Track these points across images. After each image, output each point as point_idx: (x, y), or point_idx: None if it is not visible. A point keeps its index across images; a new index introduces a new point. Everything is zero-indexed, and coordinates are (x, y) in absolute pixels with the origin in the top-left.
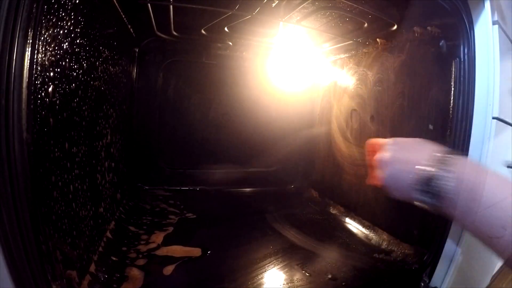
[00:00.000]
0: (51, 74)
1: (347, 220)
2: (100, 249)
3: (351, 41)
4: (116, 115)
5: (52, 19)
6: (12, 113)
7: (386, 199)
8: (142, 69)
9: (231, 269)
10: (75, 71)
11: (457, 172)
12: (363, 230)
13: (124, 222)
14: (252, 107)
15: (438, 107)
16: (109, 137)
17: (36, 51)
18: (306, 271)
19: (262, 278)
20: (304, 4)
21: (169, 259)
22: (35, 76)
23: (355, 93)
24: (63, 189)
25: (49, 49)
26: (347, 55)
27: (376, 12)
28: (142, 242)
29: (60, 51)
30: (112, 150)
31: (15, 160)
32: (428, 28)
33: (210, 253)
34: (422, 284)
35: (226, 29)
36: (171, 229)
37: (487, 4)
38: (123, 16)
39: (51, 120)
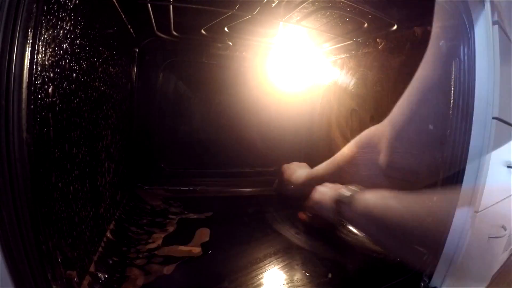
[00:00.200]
0: (51, 74)
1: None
2: (100, 249)
3: (351, 41)
4: (116, 116)
5: (52, 19)
6: (12, 113)
7: None
8: (142, 69)
9: (231, 269)
10: (75, 72)
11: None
12: None
13: (124, 222)
14: (252, 107)
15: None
16: (109, 137)
17: (36, 51)
18: (306, 271)
19: (262, 278)
20: (304, 4)
21: (169, 259)
22: (35, 76)
23: (355, 93)
24: (63, 189)
25: (49, 49)
26: (347, 55)
27: (376, 12)
28: (142, 242)
29: (60, 51)
30: (112, 150)
31: (15, 160)
32: (428, 28)
33: (210, 253)
34: (422, 284)
35: (226, 29)
36: (171, 229)
37: (487, 4)
38: (123, 16)
39: (51, 120)
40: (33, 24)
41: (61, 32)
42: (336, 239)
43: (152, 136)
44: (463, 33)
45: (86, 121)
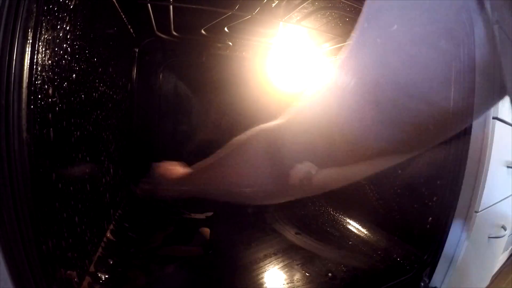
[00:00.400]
0: (51, 74)
1: (347, 220)
2: (100, 249)
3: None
4: (116, 116)
5: (52, 19)
6: (12, 113)
7: (386, 199)
8: (142, 69)
9: (231, 269)
10: (75, 72)
11: None
12: (363, 230)
13: (124, 222)
14: (252, 107)
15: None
16: (109, 137)
17: (36, 52)
18: (306, 271)
19: (262, 278)
20: (304, 4)
21: (169, 259)
22: (35, 77)
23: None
24: (63, 189)
25: (49, 50)
26: None
27: None
28: (142, 242)
29: (60, 51)
30: (112, 150)
31: (15, 160)
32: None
33: (210, 253)
34: (422, 284)
35: (226, 29)
36: (171, 229)
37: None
38: (123, 16)
39: (51, 120)
40: (33, 24)
41: (61, 32)
42: (336, 239)
43: (152, 136)
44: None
45: (86, 121)
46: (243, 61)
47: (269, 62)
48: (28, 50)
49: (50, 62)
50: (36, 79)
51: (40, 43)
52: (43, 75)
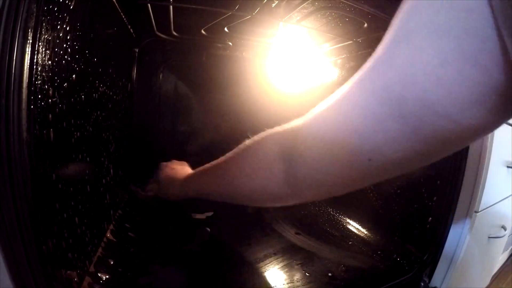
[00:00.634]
0: (51, 74)
1: (347, 220)
2: (100, 249)
3: (351, 41)
4: (116, 116)
5: (52, 19)
6: (12, 113)
7: (386, 199)
8: (142, 69)
9: (231, 269)
10: (75, 72)
11: None
12: (363, 230)
13: (124, 222)
14: (252, 107)
15: None
16: (109, 137)
17: (36, 52)
18: (306, 271)
19: (262, 278)
20: (304, 4)
21: (169, 259)
22: (35, 77)
23: None
24: (64, 189)
25: (49, 50)
26: (347, 55)
27: (376, 12)
28: (142, 242)
29: (60, 52)
30: (112, 150)
31: (15, 160)
32: None
33: (210, 253)
34: (422, 284)
35: (226, 29)
36: (171, 229)
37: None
38: (123, 16)
39: (51, 120)
40: (33, 24)
41: (61, 32)
42: (336, 238)
43: (152, 136)
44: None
45: (86, 122)
46: (243, 61)
47: (269, 62)
48: (28, 50)
49: (50, 62)
50: (36, 79)
51: (40, 43)
52: (43, 75)
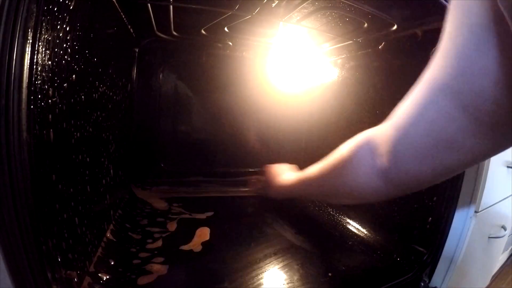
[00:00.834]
0: (51, 74)
1: (347, 220)
2: (100, 249)
3: (351, 41)
4: (116, 116)
5: (52, 19)
6: (12, 113)
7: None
8: (142, 69)
9: (231, 269)
10: (75, 72)
11: None
12: (363, 230)
13: (124, 222)
14: (252, 107)
15: None
16: (109, 137)
17: (36, 52)
18: (306, 271)
19: (262, 278)
20: (304, 4)
21: (169, 259)
22: (35, 77)
23: (355, 93)
24: (63, 189)
25: (49, 50)
26: (347, 55)
27: (376, 12)
28: (142, 242)
29: (60, 52)
30: (112, 150)
31: (15, 160)
32: (430, 28)
33: (210, 253)
34: (422, 284)
35: (226, 29)
36: (171, 228)
37: None
38: (123, 16)
39: (51, 120)
40: (33, 24)
41: (61, 32)
42: (336, 238)
43: (152, 136)
44: None
45: (86, 122)
46: (243, 61)
47: (269, 62)
48: (28, 50)
49: (50, 62)
50: (36, 79)
51: (40, 43)
52: (43, 76)
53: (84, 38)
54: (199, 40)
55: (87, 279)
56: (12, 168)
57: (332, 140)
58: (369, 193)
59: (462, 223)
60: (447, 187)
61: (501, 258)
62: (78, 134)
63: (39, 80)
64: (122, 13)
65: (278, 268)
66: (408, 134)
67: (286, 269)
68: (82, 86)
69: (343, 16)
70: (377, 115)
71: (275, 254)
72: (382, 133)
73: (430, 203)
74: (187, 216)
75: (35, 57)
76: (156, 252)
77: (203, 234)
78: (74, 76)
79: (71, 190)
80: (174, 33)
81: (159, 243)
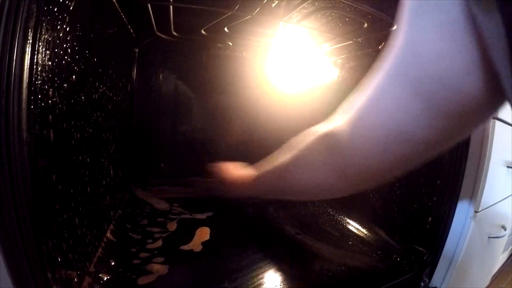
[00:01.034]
0: (51, 75)
1: (347, 220)
2: (101, 249)
3: (351, 41)
4: (116, 116)
5: (52, 19)
6: (12, 113)
7: (386, 199)
8: (142, 69)
9: (231, 269)
10: (75, 72)
11: None
12: (363, 230)
13: (124, 222)
14: (252, 107)
15: None
16: (109, 138)
17: (36, 52)
18: (306, 271)
19: (262, 278)
20: (304, 4)
21: (169, 259)
22: (35, 77)
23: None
24: (64, 189)
25: (49, 50)
26: (347, 55)
27: (376, 12)
28: (142, 242)
29: (60, 52)
30: (112, 151)
31: (15, 160)
32: None
33: (210, 253)
34: (422, 284)
35: (226, 29)
36: (171, 228)
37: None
38: (123, 16)
39: (51, 121)
40: (33, 24)
41: (61, 32)
42: (336, 238)
43: (152, 136)
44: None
45: (86, 122)
46: (243, 61)
47: (269, 62)
48: (28, 50)
49: (50, 62)
50: (36, 79)
51: (40, 44)
52: (43, 76)
53: (84, 39)
54: (199, 41)
55: (87, 279)
56: (12, 168)
57: None
58: (326, 189)
59: (462, 223)
60: (447, 187)
61: (501, 258)
62: (78, 134)
63: (39, 80)
64: (122, 13)
65: (278, 268)
66: (363, 127)
67: (286, 269)
68: (82, 86)
69: (343, 16)
70: None
71: (275, 254)
72: (337, 129)
73: (430, 203)
74: (187, 216)
75: (35, 57)
76: (156, 252)
77: (203, 234)
78: (74, 76)
79: (71, 190)
80: (174, 33)
81: (159, 243)
